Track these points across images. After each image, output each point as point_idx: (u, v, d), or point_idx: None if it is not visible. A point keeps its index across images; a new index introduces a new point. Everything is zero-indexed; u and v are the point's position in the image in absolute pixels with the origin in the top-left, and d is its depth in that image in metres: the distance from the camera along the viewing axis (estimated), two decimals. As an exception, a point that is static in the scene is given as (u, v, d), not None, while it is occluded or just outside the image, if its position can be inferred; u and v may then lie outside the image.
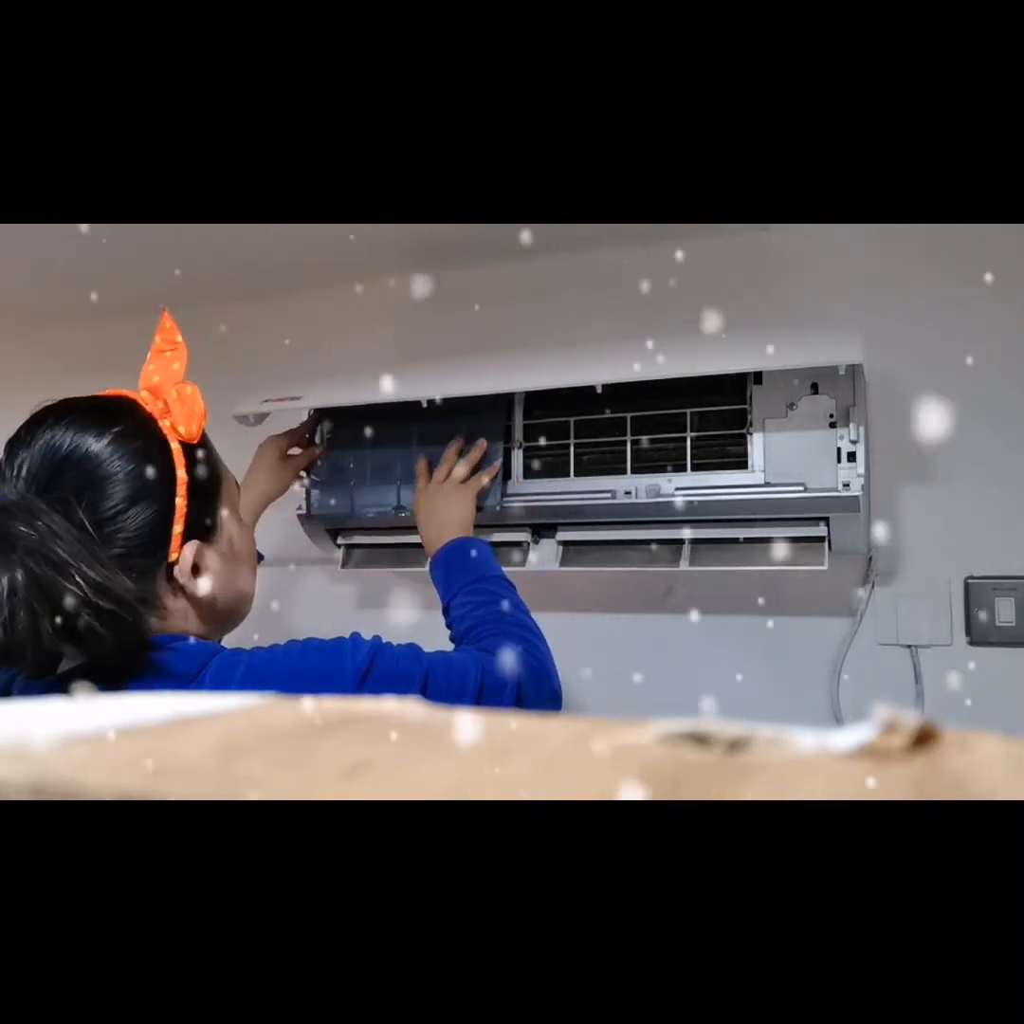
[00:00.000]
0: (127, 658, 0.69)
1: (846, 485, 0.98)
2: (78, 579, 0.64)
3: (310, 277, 1.44)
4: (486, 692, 0.78)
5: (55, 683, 0.70)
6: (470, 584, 0.93)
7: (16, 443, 0.72)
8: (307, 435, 1.23)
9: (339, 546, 1.27)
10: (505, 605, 0.90)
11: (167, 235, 1.22)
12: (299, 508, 1.24)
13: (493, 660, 0.81)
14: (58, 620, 0.64)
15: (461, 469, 1.10)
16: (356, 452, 1.20)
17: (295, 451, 1.21)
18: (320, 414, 1.23)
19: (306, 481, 1.23)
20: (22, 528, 0.64)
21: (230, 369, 1.22)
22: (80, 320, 1.59)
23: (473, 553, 0.98)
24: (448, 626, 0.93)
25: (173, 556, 0.73)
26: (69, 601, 0.64)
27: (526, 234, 1.21)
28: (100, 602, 0.65)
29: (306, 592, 1.49)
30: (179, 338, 0.79)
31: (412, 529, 1.19)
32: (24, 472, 0.70)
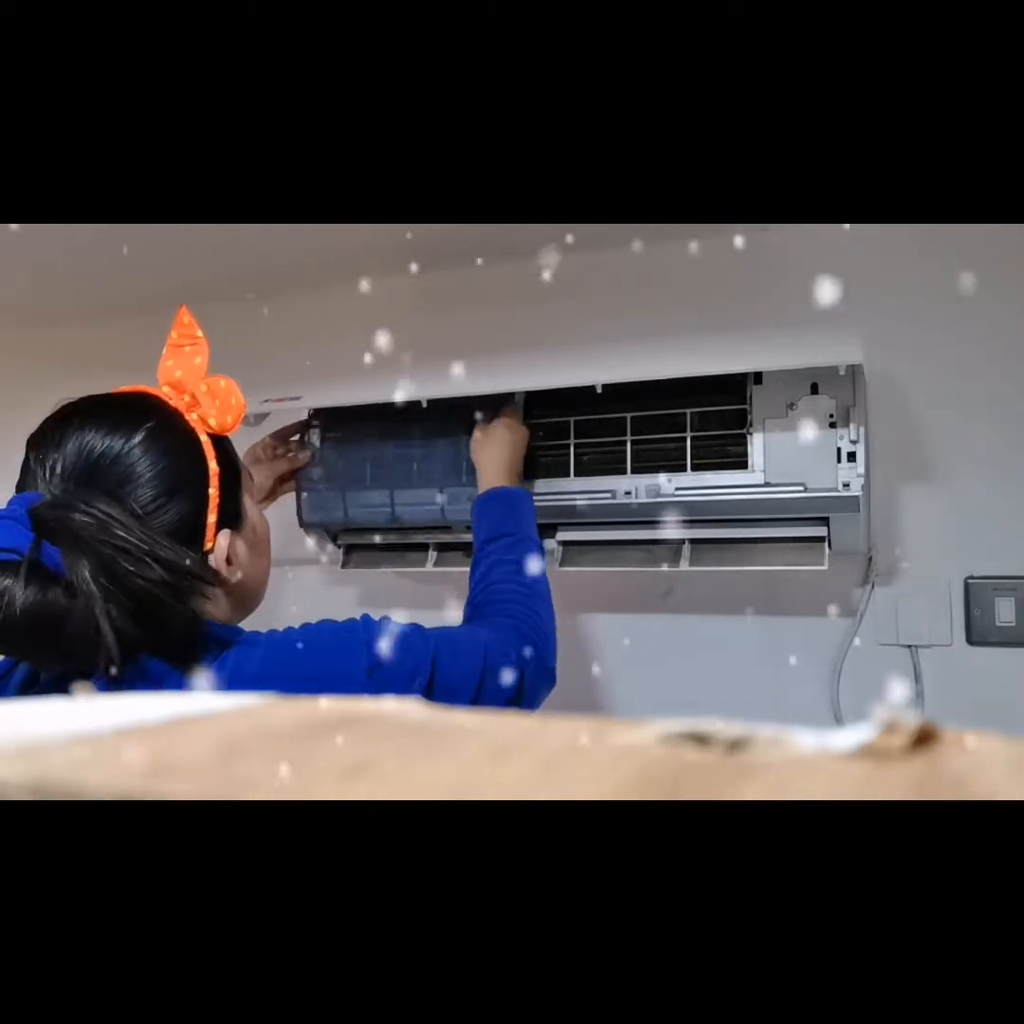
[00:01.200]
0: (191, 632, 0.71)
1: (846, 485, 0.98)
2: (149, 560, 0.66)
3: (310, 277, 1.44)
4: (489, 673, 0.80)
5: (124, 664, 0.69)
6: (509, 540, 0.96)
7: (44, 444, 0.72)
8: (299, 437, 1.22)
9: (339, 546, 1.27)
10: (530, 574, 0.92)
11: (167, 235, 1.22)
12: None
13: (498, 641, 0.83)
14: (130, 601, 0.65)
15: (515, 415, 1.12)
16: (350, 455, 1.19)
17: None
18: (311, 417, 1.22)
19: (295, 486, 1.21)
20: (82, 517, 0.65)
21: (230, 369, 1.22)
22: (81, 320, 1.59)
23: (522, 508, 1.01)
24: (473, 563, 0.96)
25: (208, 545, 0.75)
26: (142, 584, 0.65)
27: (525, 234, 1.21)
28: (173, 579, 0.67)
29: (305, 592, 1.48)
30: (199, 333, 0.80)
31: (412, 530, 1.19)
32: (59, 471, 0.71)
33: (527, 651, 0.84)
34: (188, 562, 0.69)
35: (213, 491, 0.75)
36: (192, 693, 0.33)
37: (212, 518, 0.75)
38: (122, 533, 0.65)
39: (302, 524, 1.23)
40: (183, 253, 1.30)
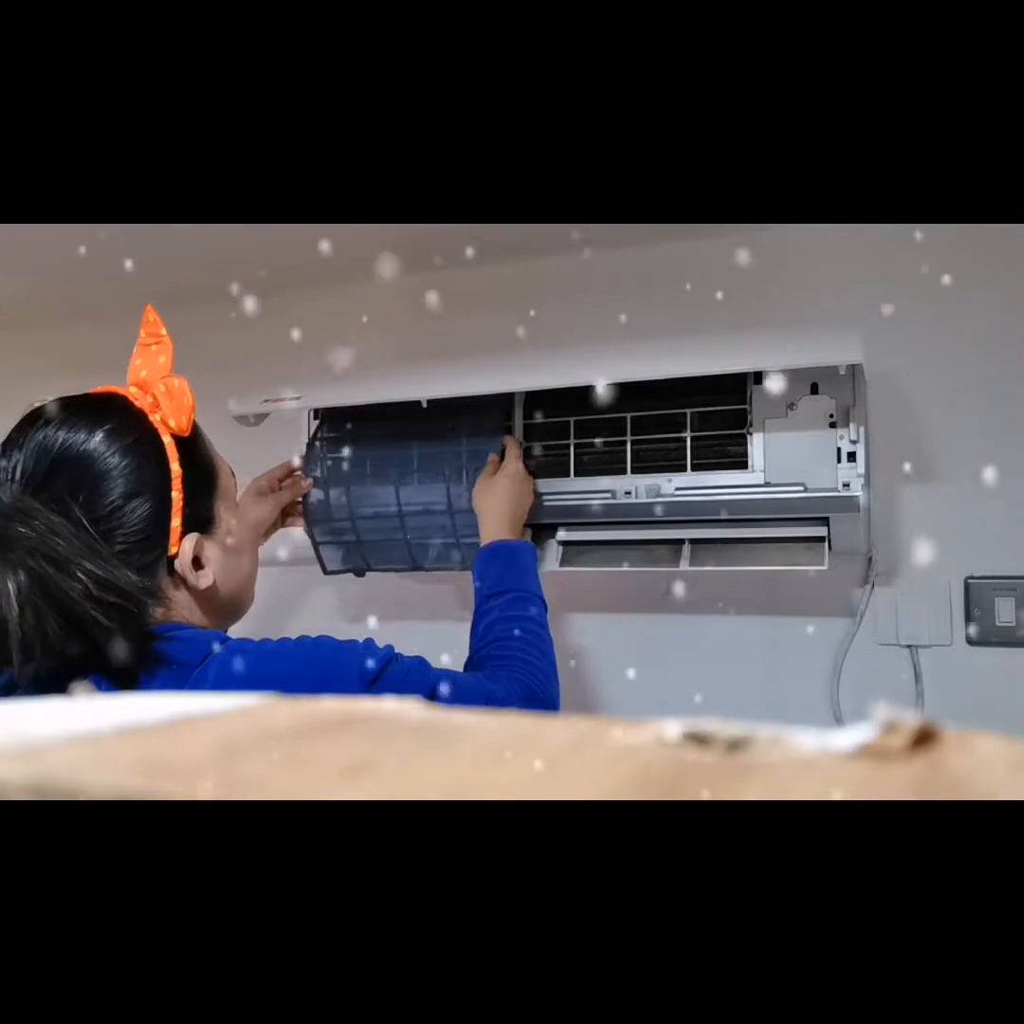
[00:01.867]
0: (133, 650, 0.69)
1: (846, 485, 0.98)
2: (80, 574, 0.64)
3: (311, 277, 1.44)
4: None
5: (62, 679, 0.69)
6: (510, 596, 0.93)
7: (9, 444, 0.72)
8: (292, 471, 1.17)
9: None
10: (533, 629, 0.90)
11: (167, 235, 1.22)
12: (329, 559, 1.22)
13: (502, 692, 0.81)
14: (63, 616, 0.64)
15: (520, 463, 1.09)
16: (355, 490, 1.17)
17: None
18: (308, 451, 1.20)
19: (301, 522, 1.18)
20: (20, 529, 0.64)
21: (230, 369, 1.22)
22: (79, 320, 1.59)
23: (524, 563, 0.98)
24: (475, 619, 0.94)
25: (173, 550, 0.74)
26: (72, 597, 0.64)
27: (525, 234, 1.21)
28: (104, 596, 0.65)
29: (304, 592, 1.48)
30: (163, 331, 0.79)
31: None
32: (18, 474, 0.70)
33: (533, 708, 0.81)
34: (116, 576, 0.66)
35: (176, 494, 0.74)
36: (188, 694, 0.32)
37: (176, 521, 0.74)
38: (58, 545, 0.64)
39: (326, 573, 1.23)
40: (183, 253, 1.30)
